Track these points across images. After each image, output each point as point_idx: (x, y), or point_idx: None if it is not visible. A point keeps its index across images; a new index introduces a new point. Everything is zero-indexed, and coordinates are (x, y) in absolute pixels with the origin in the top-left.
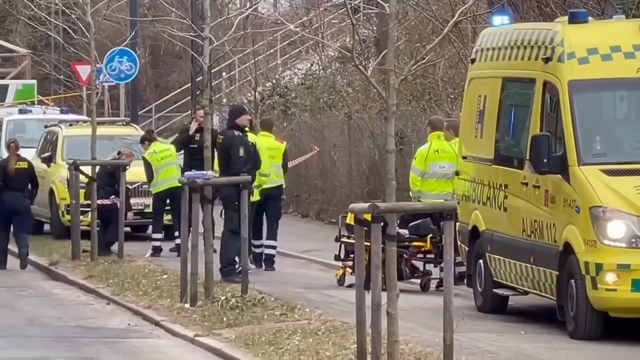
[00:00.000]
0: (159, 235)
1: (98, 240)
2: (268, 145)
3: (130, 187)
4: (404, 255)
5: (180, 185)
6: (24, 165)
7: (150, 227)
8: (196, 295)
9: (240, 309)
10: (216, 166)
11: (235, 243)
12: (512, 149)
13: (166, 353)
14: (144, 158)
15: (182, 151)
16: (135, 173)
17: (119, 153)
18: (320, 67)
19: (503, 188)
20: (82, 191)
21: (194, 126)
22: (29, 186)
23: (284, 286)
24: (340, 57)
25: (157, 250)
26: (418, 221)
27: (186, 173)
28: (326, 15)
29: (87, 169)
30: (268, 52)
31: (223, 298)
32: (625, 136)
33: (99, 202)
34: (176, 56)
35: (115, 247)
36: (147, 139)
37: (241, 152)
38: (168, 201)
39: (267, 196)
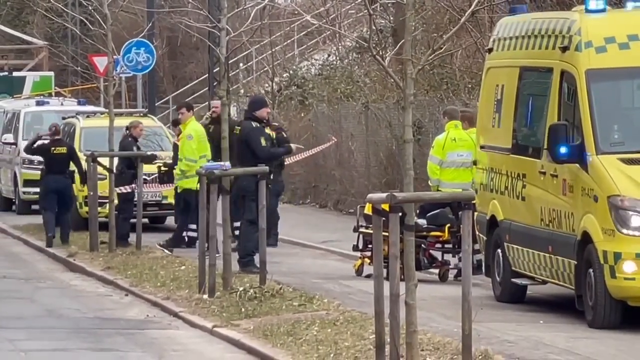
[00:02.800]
0: (194, 226)
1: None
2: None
3: (148, 178)
4: (422, 245)
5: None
6: (63, 150)
7: (170, 219)
8: (214, 286)
9: (259, 299)
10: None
11: (253, 234)
12: (529, 138)
13: (185, 344)
14: (175, 145)
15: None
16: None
17: (127, 129)
18: (338, 58)
19: (521, 177)
20: (100, 183)
21: (205, 118)
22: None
23: (302, 277)
24: (357, 48)
25: (192, 241)
26: (436, 211)
27: (204, 164)
28: (343, 6)
29: (104, 161)
30: (285, 43)
31: (241, 289)
32: None
33: (118, 190)
34: (193, 47)
35: (133, 239)
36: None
37: (263, 141)
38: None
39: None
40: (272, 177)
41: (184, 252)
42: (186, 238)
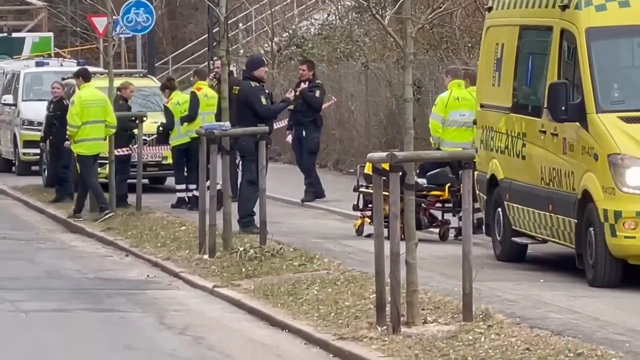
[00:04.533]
0: (182, 187)
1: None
2: (211, 94)
3: (148, 138)
4: (423, 204)
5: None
6: None
7: (170, 179)
8: (215, 247)
9: (259, 259)
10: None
11: (253, 194)
12: (529, 97)
13: (185, 304)
14: (166, 107)
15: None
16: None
17: (118, 89)
18: (337, 17)
19: (521, 136)
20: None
21: (210, 78)
22: None
23: (303, 237)
24: (356, 7)
25: (181, 202)
26: (436, 170)
27: (203, 124)
28: None
29: None
30: (284, 3)
31: (242, 249)
32: None
33: (117, 152)
34: (192, 7)
35: (132, 200)
36: (168, 87)
37: (263, 100)
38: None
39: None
40: (304, 133)
41: (183, 213)
42: (186, 199)
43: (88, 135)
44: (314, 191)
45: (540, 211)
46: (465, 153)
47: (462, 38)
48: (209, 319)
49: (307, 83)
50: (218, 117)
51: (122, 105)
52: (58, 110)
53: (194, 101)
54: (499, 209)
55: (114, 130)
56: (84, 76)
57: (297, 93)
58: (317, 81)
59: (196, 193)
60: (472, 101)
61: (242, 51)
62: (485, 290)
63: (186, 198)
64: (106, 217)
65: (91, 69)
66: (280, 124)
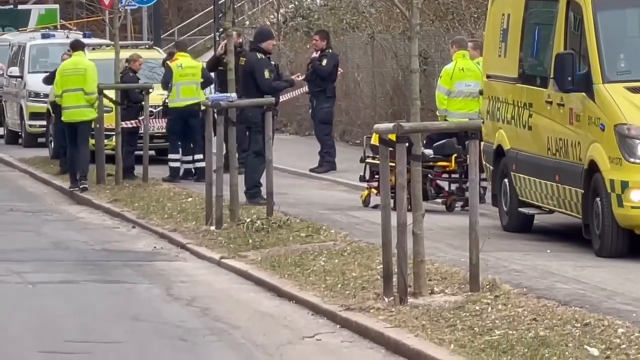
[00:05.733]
0: (177, 156)
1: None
2: (187, 64)
3: (154, 110)
4: (429, 175)
5: (197, 106)
6: None
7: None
8: (221, 218)
9: (266, 231)
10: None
11: (259, 165)
12: (536, 68)
13: (192, 275)
14: (167, 65)
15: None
16: (158, 97)
17: (127, 61)
18: None
19: (527, 107)
20: (106, 115)
21: (220, 47)
22: None
23: (309, 208)
24: None
25: (175, 172)
26: (443, 141)
27: (210, 95)
28: None
29: (110, 93)
30: None
31: (248, 220)
32: None
33: (124, 124)
34: None
35: (139, 171)
36: (174, 53)
37: (267, 74)
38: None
39: (189, 113)
40: (314, 103)
41: (190, 184)
42: (193, 170)
43: (65, 103)
44: (330, 161)
45: (547, 181)
46: (471, 123)
47: (468, 9)
48: (216, 290)
49: (318, 53)
50: (224, 88)
51: (132, 77)
52: None
53: (167, 71)
54: (506, 180)
55: (92, 97)
56: (73, 46)
57: (308, 64)
58: (328, 50)
59: (202, 164)
60: (477, 72)
61: (247, 23)
62: (492, 260)
63: (180, 170)
64: (76, 189)
65: (97, 41)
66: (292, 94)
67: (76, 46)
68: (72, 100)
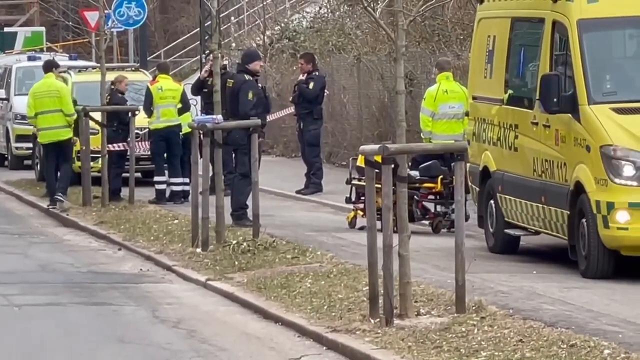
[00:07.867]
0: (162, 178)
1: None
2: (168, 87)
3: (141, 132)
4: (415, 196)
5: (177, 128)
6: None
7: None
8: (208, 240)
9: (252, 252)
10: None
11: (246, 187)
12: (521, 89)
13: (178, 297)
14: (147, 88)
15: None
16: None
17: (112, 83)
18: (329, 10)
19: (513, 128)
20: (92, 137)
21: (205, 71)
22: None
23: (296, 229)
24: (348, 0)
25: (161, 194)
26: (429, 162)
27: (195, 117)
28: None
29: (97, 115)
30: None
31: (234, 242)
32: (636, 74)
33: (110, 147)
34: (184, 1)
35: (125, 193)
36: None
37: (250, 95)
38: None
39: (168, 134)
40: (301, 125)
41: (175, 207)
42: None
43: (41, 124)
44: (317, 183)
45: (533, 203)
46: (457, 145)
47: (454, 30)
48: (202, 312)
49: (304, 75)
50: (209, 110)
51: (120, 98)
52: None
53: (147, 95)
54: (492, 201)
55: (72, 118)
56: (44, 67)
57: (294, 85)
58: (315, 73)
59: (187, 188)
60: (461, 93)
61: (234, 45)
62: (478, 282)
63: (167, 192)
64: (53, 208)
65: (84, 63)
66: (278, 114)
67: (47, 67)
68: (48, 121)
